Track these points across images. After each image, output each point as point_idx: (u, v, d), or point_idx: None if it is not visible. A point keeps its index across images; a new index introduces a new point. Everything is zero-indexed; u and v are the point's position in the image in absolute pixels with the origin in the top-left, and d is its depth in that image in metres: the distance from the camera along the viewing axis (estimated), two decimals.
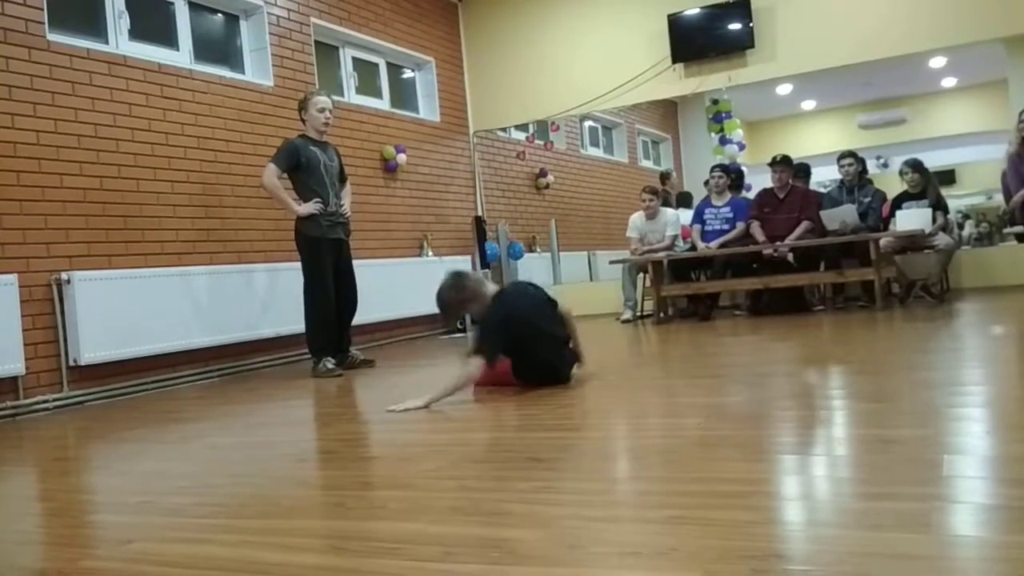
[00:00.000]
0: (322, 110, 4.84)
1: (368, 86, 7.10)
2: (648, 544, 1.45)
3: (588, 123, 10.40)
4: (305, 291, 4.81)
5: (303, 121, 4.89)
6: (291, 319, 5.38)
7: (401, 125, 7.25)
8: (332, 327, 4.82)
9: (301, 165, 4.74)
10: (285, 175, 4.79)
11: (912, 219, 5.97)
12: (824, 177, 9.27)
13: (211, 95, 5.40)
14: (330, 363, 4.75)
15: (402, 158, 7.03)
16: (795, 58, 7.00)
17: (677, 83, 7.44)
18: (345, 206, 4.93)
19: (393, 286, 6.50)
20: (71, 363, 4.37)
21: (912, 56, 6.99)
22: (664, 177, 8.78)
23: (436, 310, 3.51)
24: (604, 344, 5.17)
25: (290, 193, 4.83)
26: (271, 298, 5.44)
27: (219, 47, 5.83)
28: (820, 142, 11.89)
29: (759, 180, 7.52)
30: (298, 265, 4.86)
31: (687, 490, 1.78)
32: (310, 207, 4.70)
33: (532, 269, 8.69)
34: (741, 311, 6.66)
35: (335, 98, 6.58)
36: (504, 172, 8.77)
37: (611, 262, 7.25)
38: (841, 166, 6.44)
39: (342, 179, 4.99)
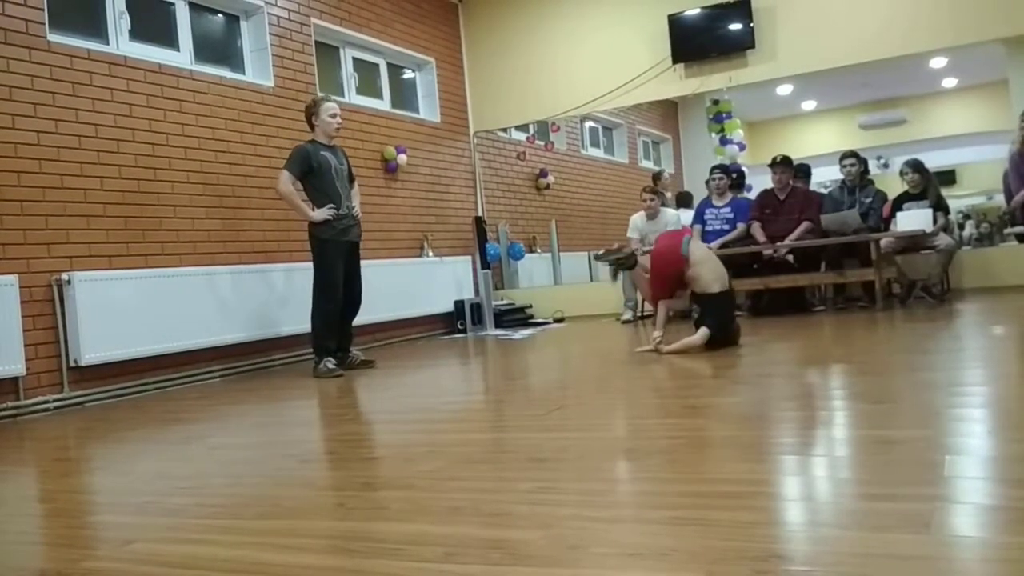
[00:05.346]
0: (334, 115, 4.89)
1: (368, 87, 7.10)
2: (649, 545, 1.45)
3: (588, 124, 10.40)
4: (314, 292, 4.84)
5: (312, 127, 4.90)
6: (291, 319, 5.40)
7: (402, 126, 7.25)
8: (337, 328, 4.87)
9: (313, 170, 4.79)
10: (298, 181, 4.82)
11: (913, 220, 5.97)
12: (824, 177, 9.27)
13: (211, 95, 5.40)
14: (331, 363, 4.76)
15: (403, 158, 7.04)
16: (796, 58, 7.01)
17: (677, 83, 7.44)
18: (356, 207, 4.98)
19: (394, 286, 6.50)
20: (72, 364, 4.37)
21: (912, 56, 6.99)
22: (656, 177, 8.72)
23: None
24: (605, 345, 5.17)
25: (301, 195, 4.88)
26: (272, 298, 5.45)
27: (219, 47, 5.83)
28: (820, 142, 11.88)
29: (759, 181, 7.52)
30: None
31: (688, 491, 1.78)
32: (323, 212, 4.75)
33: (532, 270, 8.70)
34: (742, 311, 6.66)
35: (336, 99, 6.60)
36: (504, 173, 8.77)
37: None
38: (843, 166, 6.44)
39: (351, 180, 5.04)
